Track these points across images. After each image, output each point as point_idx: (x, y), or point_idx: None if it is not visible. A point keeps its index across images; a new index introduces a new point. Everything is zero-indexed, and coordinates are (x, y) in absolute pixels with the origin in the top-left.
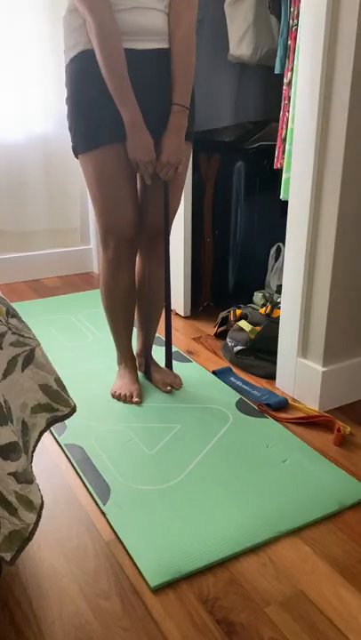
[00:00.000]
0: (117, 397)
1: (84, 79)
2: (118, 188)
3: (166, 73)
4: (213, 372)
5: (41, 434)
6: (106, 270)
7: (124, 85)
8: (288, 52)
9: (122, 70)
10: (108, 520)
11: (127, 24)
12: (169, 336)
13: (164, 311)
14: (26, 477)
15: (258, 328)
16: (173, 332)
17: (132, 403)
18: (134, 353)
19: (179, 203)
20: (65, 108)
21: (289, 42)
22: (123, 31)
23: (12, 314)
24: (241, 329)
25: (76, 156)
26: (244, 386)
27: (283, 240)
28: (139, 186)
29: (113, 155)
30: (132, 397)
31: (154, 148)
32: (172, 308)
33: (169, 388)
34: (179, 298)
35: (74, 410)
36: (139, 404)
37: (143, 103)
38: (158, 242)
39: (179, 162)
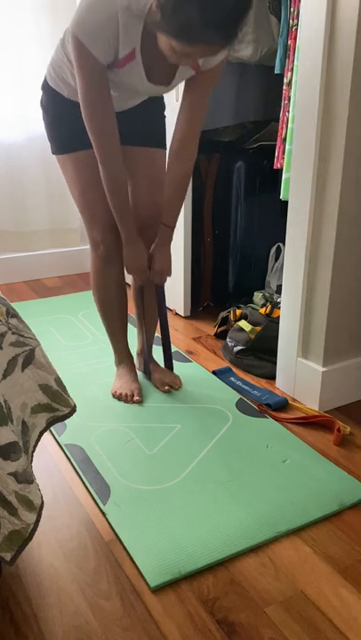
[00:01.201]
0: (118, 397)
1: (55, 109)
2: (98, 183)
3: (153, 107)
4: (213, 372)
5: (41, 434)
6: (95, 268)
7: (123, 206)
8: (288, 52)
9: (123, 193)
10: (108, 520)
11: (124, 102)
12: (167, 336)
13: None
14: (26, 477)
15: (258, 328)
16: (173, 332)
17: (133, 402)
18: (132, 352)
19: (159, 210)
20: None
21: (289, 42)
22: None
23: (12, 314)
24: (241, 329)
25: (54, 154)
26: (244, 386)
27: (283, 240)
28: (127, 170)
29: (89, 157)
30: (132, 396)
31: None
32: (172, 308)
33: (167, 387)
34: (179, 298)
35: (74, 410)
36: (140, 402)
37: (128, 120)
38: (150, 229)
39: (169, 268)
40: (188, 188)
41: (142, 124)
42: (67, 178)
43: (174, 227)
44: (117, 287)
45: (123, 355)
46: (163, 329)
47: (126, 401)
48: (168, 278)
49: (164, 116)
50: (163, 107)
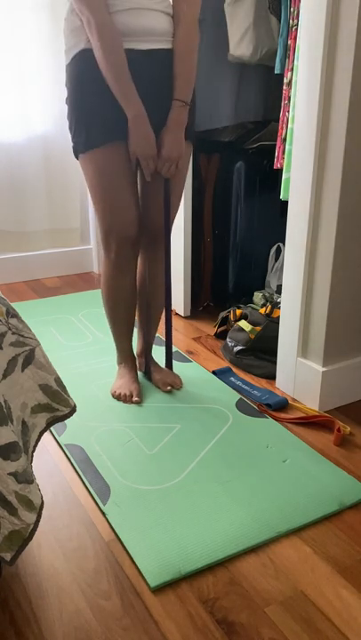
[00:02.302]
0: (117, 397)
1: (84, 79)
2: (120, 188)
3: (168, 73)
4: (213, 372)
5: (41, 434)
6: (108, 273)
7: (125, 81)
8: (288, 52)
9: (122, 66)
10: (108, 520)
11: (124, 25)
12: (169, 337)
13: (164, 312)
14: (26, 477)
15: (258, 328)
16: (173, 331)
17: (132, 402)
18: (134, 353)
19: (179, 202)
20: (65, 109)
21: (289, 42)
22: (121, 32)
23: (12, 314)
24: (241, 329)
25: (77, 157)
26: (244, 386)
27: (283, 240)
28: (139, 186)
29: (114, 153)
30: (132, 397)
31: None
32: (172, 307)
33: (169, 387)
34: (179, 298)
35: (74, 410)
36: (139, 403)
37: (145, 101)
38: (159, 242)
39: (179, 156)
40: (196, 55)
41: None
42: (88, 180)
43: (187, 103)
44: (128, 294)
45: (125, 354)
46: (167, 329)
47: (125, 401)
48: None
49: (193, 107)
50: (193, 102)
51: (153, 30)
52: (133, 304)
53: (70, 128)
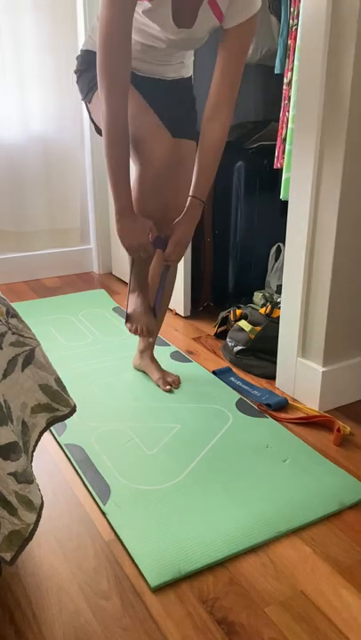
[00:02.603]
0: (134, 332)
1: (85, 64)
2: (145, 115)
3: (179, 100)
4: (213, 372)
5: (41, 434)
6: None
7: (120, 175)
8: (288, 52)
9: (121, 160)
10: (108, 520)
11: (139, 69)
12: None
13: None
14: (26, 477)
15: (258, 328)
16: (173, 332)
17: (149, 336)
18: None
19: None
20: (64, 108)
21: (289, 42)
22: (135, 70)
23: (12, 314)
24: (241, 329)
25: (89, 101)
26: (244, 386)
27: (283, 240)
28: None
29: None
30: (148, 332)
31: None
32: (172, 308)
33: (168, 387)
34: (179, 298)
35: (74, 410)
36: (153, 336)
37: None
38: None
39: (188, 244)
40: (220, 156)
41: (170, 116)
42: (96, 120)
43: (204, 200)
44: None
45: (139, 282)
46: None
47: (141, 334)
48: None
49: (194, 109)
50: (193, 97)
51: (167, 75)
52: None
53: (78, 85)
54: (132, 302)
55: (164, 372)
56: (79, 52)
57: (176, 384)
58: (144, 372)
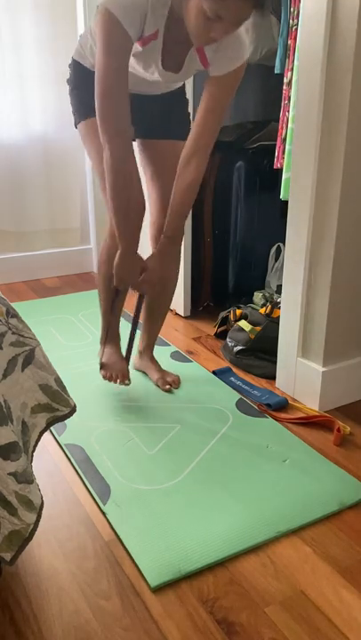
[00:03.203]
0: (108, 379)
1: (77, 80)
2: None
3: (169, 104)
4: (213, 372)
5: (41, 434)
6: (111, 250)
7: (126, 221)
8: (288, 52)
9: (127, 206)
10: (108, 520)
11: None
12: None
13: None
14: (26, 477)
15: (258, 328)
16: (173, 332)
17: (123, 384)
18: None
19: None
20: (66, 107)
21: (289, 42)
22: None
23: (12, 314)
24: (241, 329)
25: (76, 126)
26: (244, 386)
27: (283, 240)
28: (147, 176)
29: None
30: (123, 379)
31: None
32: (172, 308)
33: (168, 387)
34: (179, 298)
35: (74, 410)
36: (128, 385)
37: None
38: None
39: (156, 281)
40: (193, 200)
41: (161, 116)
42: (86, 147)
43: (176, 240)
44: None
45: (113, 332)
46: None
47: (115, 381)
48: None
49: (187, 109)
50: (184, 100)
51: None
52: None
53: (70, 101)
54: (106, 352)
55: (163, 372)
56: (70, 60)
57: (176, 384)
58: (143, 372)
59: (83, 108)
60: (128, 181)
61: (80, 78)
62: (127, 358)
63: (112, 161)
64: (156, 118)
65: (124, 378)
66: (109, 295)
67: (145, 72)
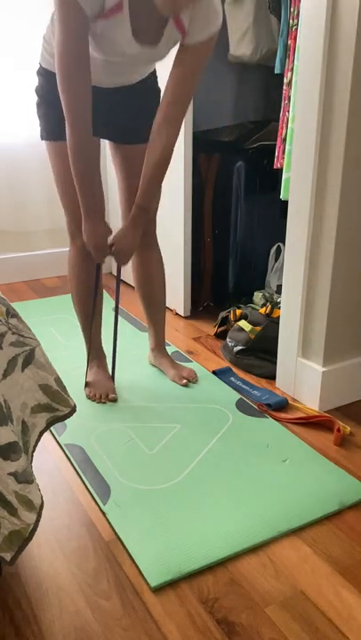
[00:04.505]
0: (92, 397)
1: (44, 92)
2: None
3: (143, 101)
4: (213, 372)
5: (41, 434)
6: (72, 259)
7: (87, 177)
8: (288, 52)
9: (88, 168)
10: (108, 520)
11: (102, 82)
12: (115, 346)
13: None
14: (26, 477)
15: (258, 328)
16: (173, 331)
17: (109, 400)
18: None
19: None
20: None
21: (289, 42)
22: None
23: (12, 314)
24: (241, 329)
25: (42, 139)
26: (244, 386)
27: (283, 240)
28: (122, 185)
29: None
30: (107, 396)
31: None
32: (172, 308)
33: (185, 381)
34: (179, 298)
35: (74, 410)
36: (115, 400)
37: (107, 113)
38: (149, 243)
39: (131, 253)
40: (166, 170)
41: (132, 117)
42: (53, 167)
43: (149, 210)
44: (93, 281)
45: (95, 351)
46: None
47: (100, 401)
48: (168, 278)
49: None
50: (156, 94)
51: (125, 83)
52: (100, 297)
53: (38, 114)
54: (92, 372)
55: (178, 368)
56: (38, 66)
57: (192, 377)
58: (144, 372)
59: (50, 126)
60: (90, 165)
61: (48, 92)
62: (112, 374)
63: (73, 141)
64: (127, 119)
65: (109, 395)
66: (84, 310)
67: (116, 50)
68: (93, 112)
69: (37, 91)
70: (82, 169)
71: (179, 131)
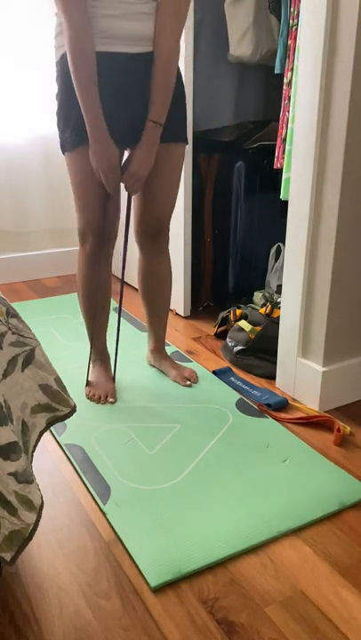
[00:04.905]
0: (91, 398)
1: (69, 81)
2: (95, 187)
3: (149, 78)
4: (213, 372)
5: (41, 434)
6: (83, 264)
7: (90, 92)
8: (288, 52)
9: (90, 76)
10: (108, 520)
11: (117, 30)
12: (117, 345)
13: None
14: (26, 477)
15: (258, 328)
16: (173, 331)
17: (108, 402)
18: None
19: (174, 203)
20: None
21: (289, 42)
22: (112, 36)
23: (12, 314)
24: (241, 329)
25: (63, 153)
26: (244, 386)
27: (283, 240)
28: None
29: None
30: (107, 397)
31: (124, 157)
32: (172, 308)
33: (188, 382)
34: (179, 298)
35: (74, 410)
36: (113, 403)
37: (122, 107)
38: (162, 234)
39: (146, 175)
40: (173, 77)
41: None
42: (72, 175)
43: (162, 124)
44: (103, 286)
45: (99, 351)
46: (117, 339)
47: (99, 402)
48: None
49: (184, 106)
50: (182, 95)
51: (144, 35)
52: (107, 299)
53: (58, 125)
54: (95, 371)
55: (179, 368)
56: (55, 69)
57: (194, 378)
58: (144, 372)
59: (75, 130)
60: (87, 56)
61: (68, 89)
62: (113, 376)
63: (70, 32)
64: (143, 118)
65: (108, 398)
66: (90, 310)
67: None
68: (119, 120)
69: (57, 95)
70: (84, 77)
71: (181, 29)
